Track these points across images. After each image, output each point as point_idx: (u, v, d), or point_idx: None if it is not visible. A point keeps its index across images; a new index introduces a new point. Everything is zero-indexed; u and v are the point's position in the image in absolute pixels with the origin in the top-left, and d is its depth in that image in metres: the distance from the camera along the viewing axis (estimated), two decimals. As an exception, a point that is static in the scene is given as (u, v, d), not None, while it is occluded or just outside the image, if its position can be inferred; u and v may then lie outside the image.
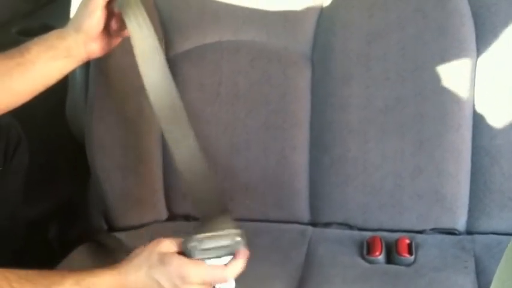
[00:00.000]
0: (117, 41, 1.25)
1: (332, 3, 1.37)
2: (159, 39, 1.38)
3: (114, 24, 1.21)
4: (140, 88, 1.36)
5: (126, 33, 1.19)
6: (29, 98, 1.19)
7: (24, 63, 1.16)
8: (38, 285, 0.97)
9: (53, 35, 1.21)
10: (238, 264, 1.04)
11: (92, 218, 1.48)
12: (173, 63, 1.38)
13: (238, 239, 1.06)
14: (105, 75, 1.39)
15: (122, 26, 1.19)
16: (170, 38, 1.41)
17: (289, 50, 1.38)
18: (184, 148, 1.14)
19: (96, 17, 1.18)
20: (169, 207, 1.44)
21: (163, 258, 1.02)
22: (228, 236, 1.06)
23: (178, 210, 1.44)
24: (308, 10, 1.38)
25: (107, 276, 1.03)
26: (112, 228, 1.43)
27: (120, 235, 1.37)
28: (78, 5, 1.39)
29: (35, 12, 1.73)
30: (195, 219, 1.38)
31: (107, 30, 1.22)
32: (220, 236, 1.06)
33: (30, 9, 1.73)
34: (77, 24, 1.20)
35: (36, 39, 1.20)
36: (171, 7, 1.42)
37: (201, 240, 1.04)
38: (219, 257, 1.05)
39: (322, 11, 1.38)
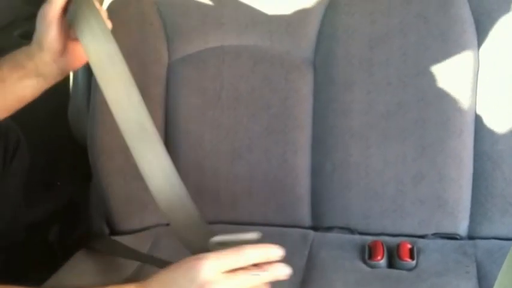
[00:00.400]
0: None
1: (334, 8, 1.37)
2: (161, 43, 1.41)
3: (75, 38, 1.11)
4: (142, 91, 1.37)
5: None
6: (5, 114, 1.15)
7: None
8: None
9: (21, 52, 1.14)
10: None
11: (93, 221, 1.48)
12: (175, 67, 1.40)
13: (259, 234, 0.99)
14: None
15: None
16: (173, 42, 1.41)
17: (291, 55, 1.39)
18: (155, 168, 1.06)
19: (53, 32, 1.10)
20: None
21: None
22: (248, 234, 1.00)
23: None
24: (310, 15, 1.39)
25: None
26: (114, 232, 1.43)
27: (122, 239, 1.37)
28: None
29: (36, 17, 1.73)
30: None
31: (74, 41, 1.13)
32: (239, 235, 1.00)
33: (32, 12, 1.72)
34: (38, 41, 1.12)
35: (7, 56, 1.15)
36: (174, 11, 1.42)
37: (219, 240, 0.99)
38: None
39: (324, 16, 1.38)
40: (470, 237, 1.32)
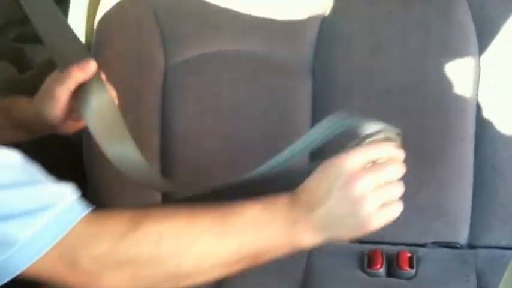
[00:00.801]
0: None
1: (334, 14, 1.36)
2: (158, 49, 1.39)
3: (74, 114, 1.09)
4: (138, 98, 1.36)
5: None
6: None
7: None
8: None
9: (13, 103, 1.14)
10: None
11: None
12: (172, 72, 1.37)
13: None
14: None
15: None
16: (170, 47, 1.39)
17: (290, 61, 1.37)
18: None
19: (57, 111, 1.07)
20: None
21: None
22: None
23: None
24: (309, 21, 1.38)
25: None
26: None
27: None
28: (76, 12, 1.39)
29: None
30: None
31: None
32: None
33: (27, 15, 1.71)
34: (37, 108, 1.09)
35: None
36: (172, 16, 1.40)
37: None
38: None
39: (323, 22, 1.37)
40: (471, 246, 1.31)
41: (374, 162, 0.90)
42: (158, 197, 1.38)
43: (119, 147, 1.04)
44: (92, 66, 1.04)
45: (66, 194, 0.82)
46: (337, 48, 1.36)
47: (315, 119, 1.35)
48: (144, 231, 0.84)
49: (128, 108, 1.35)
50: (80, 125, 1.12)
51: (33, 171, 0.84)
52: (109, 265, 0.83)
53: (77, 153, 1.44)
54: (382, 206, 0.89)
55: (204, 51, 1.39)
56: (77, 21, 1.46)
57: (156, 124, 1.38)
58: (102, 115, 1.03)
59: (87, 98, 1.02)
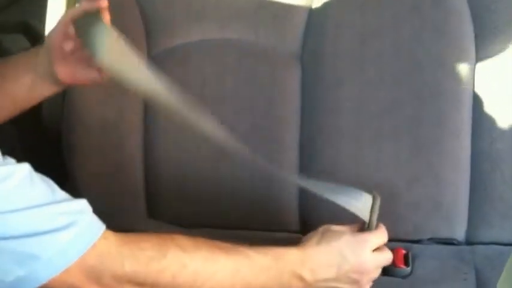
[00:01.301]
0: (90, 73, 1.11)
1: (323, 1, 1.33)
2: (140, 37, 1.35)
3: (68, 46, 1.08)
4: (121, 89, 1.31)
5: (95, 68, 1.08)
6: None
7: None
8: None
9: (31, 50, 1.16)
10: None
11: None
12: (156, 61, 1.33)
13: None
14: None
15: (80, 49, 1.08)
16: (153, 35, 1.35)
17: (278, 50, 1.34)
18: None
19: (55, 32, 1.08)
20: (150, 213, 1.38)
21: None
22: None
23: (160, 216, 1.38)
24: (298, 8, 1.34)
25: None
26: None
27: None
28: (55, 3, 1.37)
29: (9, 8, 1.67)
30: (176, 224, 1.33)
31: (78, 56, 1.09)
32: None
33: (4, 4, 1.66)
34: (46, 40, 1.12)
35: (13, 55, 1.15)
36: (154, 3, 1.37)
37: None
38: None
39: (312, 9, 1.34)
40: (468, 242, 1.29)
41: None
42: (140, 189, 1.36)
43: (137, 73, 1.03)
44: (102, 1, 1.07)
45: (85, 211, 0.88)
46: (326, 35, 1.32)
47: (304, 109, 1.33)
48: (170, 259, 0.90)
49: (110, 98, 1.35)
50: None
51: (48, 185, 0.87)
52: (130, 285, 0.89)
53: (55, 148, 1.41)
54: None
55: (188, 39, 1.35)
56: (57, 4, 1.45)
57: (138, 114, 1.35)
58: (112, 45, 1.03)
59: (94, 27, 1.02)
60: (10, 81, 1.10)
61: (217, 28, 1.35)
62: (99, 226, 0.88)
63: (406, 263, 1.21)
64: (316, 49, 1.33)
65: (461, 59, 1.27)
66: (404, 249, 1.23)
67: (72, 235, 0.83)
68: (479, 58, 1.27)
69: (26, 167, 0.84)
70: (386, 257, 1.07)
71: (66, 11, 1.14)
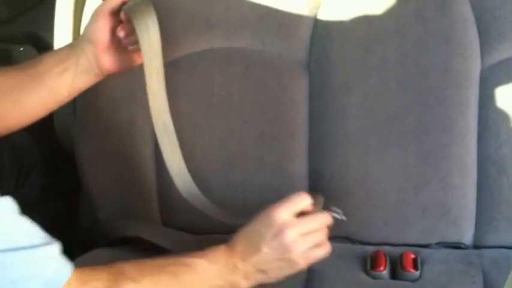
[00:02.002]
0: (133, 59, 1.22)
1: (328, 8, 1.33)
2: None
3: (121, 32, 1.17)
4: (132, 96, 1.33)
5: (137, 51, 1.18)
6: (40, 114, 1.17)
7: (35, 75, 1.13)
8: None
9: (67, 45, 1.21)
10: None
11: (83, 232, 1.44)
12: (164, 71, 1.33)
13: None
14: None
15: (132, 34, 1.17)
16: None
17: (284, 58, 1.34)
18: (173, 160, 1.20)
19: (100, 24, 1.16)
20: (163, 219, 1.40)
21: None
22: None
23: (173, 223, 1.39)
24: (303, 16, 1.34)
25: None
26: (104, 242, 1.38)
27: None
28: (63, 10, 1.42)
29: (18, 18, 1.68)
30: (189, 231, 1.35)
31: (118, 45, 1.19)
32: None
33: (12, 14, 1.67)
34: (84, 32, 1.19)
35: (52, 51, 1.20)
36: (161, 13, 1.35)
37: None
38: None
39: (317, 17, 1.34)
40: (476, 246, 1.29)
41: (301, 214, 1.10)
42: (153, 197, 1.38)
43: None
44: None
45: (53, 256, 0.89)
46: (332, 43, 1.32)
47: (312, 116, 1.33)
48: None
49: (122, 105, 1.37)
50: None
51: (24, 225, 0.88)
52: None
53: (69, 156, 1.43)
54: (309, 249, 1.09)
55: (195, 49, 1.36)
56: (64, 14, 1.45)
57: (151, 124, 1.34)
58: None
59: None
60: (50, 79, 1.14)
61: (224, 37, 1.35)
62: (66, 271, 0.89)
63: (415, 267, 1.22)
64: (323, 56, 1.33)
65: (466, 65, 1.27)
66: (413, 254, 1.24)
67: (39, 283, 0.84)
68: (484, 64, 1.27)
69: (6, 203, 0.86)
70: (309, 222, 1.09)
71: (101, 6, 1.17)
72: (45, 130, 1.49)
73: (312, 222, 1.09)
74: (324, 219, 1.12)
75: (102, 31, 1.16)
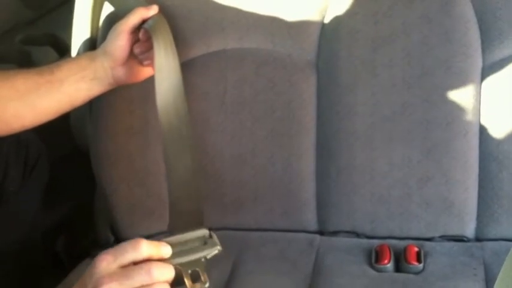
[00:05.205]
0: (145, 71, 1.29)
1: (336, 9, 1.36)
2: None
3: (137, 49, 1.26)
4: (146, 97, 1.36)
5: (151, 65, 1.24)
6: (53, 116, 1.23)
7: (52, 81, 1.19)
8: None
9: (85, 55, 1.29)
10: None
11: (98, 230, 1.48)
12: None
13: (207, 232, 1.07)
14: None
15: (146, 51, 1.25)
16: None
17: (294, 57, 1.37)
18: (180, 168, 1.16)
19: (120, 42, 1.24)
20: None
21: None
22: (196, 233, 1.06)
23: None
24: (312, 17, 1.38)
25: None
26: (119, 240, 1.42)
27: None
28: (82, 13, 1.46)
29: (38, 20, 1.72)
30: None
31: (133, 58, 1.27)
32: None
33: (33, 17, 1.72)
34: (104, 47, 1.26)
35: (69, 58, 1.26)
36: (175, 16, 1.40)
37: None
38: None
39: (326, 18, 1.37)
40: (478, 239, 1.31)
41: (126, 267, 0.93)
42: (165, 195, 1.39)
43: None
44: (154, 8, 1.28)
45: None
46: (340, 43, 1.36)
47: (320, 114, 1.36)
48: None
49: (136, 106, 1.40)
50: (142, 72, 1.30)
51: None
52: None
53: (84, 157, 1.46)
54: None
55: (208, 50, 1.39)
56: (83, 17, 1.48)
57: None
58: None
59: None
60: (67, 85, 1.21)
61: (236, 38, 1.38)
62: None
63: (419, 260, 1.24)
64: (331, 56, 1.36)
65: (468, 64, 1.29)
66: (417, 247, 1.27)
67: None
68: (485, 62, 1.30)
69: None
70: (135, 274, 0.92)
71: (122, 25, 1.25)
72: (60, 131, 1.53)
73: (135, 279, 0.91)
74: (158, 271, 0.93)
75: (122, 48, 1.24)
